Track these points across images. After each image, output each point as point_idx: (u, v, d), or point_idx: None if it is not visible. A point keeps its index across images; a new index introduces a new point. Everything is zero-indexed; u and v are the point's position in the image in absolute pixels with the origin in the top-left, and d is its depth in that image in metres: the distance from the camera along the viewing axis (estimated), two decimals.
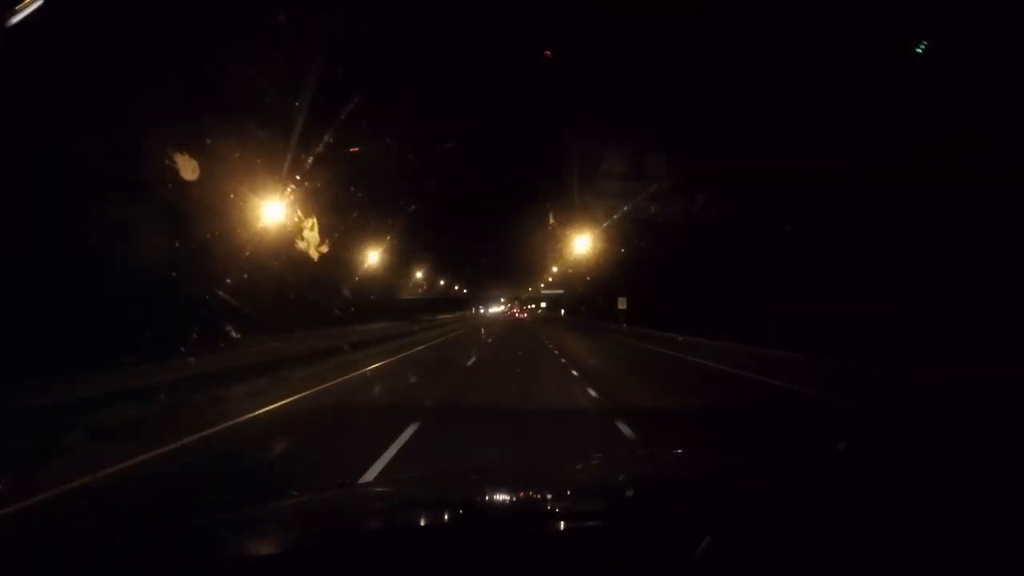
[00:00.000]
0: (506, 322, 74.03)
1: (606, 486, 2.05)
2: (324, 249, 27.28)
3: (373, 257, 36.69)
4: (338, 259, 27.16)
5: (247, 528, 1.59)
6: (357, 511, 1.70)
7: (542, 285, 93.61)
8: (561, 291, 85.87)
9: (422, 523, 1.51)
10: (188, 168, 12.11)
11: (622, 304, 35.10)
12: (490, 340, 31.39)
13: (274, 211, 16.55)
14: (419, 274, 61.49)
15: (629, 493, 1.91)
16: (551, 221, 40.67)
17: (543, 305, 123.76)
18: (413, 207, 36.99)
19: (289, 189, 16.80)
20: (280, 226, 17.57)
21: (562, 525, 1.39)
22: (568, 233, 36.69)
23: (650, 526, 1.34)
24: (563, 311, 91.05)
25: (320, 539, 1.41)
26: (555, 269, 74.99)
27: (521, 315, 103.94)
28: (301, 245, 25.42)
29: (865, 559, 1.24)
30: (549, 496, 1.94)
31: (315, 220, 25.11)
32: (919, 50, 11.70)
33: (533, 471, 2.58)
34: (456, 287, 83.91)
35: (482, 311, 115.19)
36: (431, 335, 36.00)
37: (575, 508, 1.68)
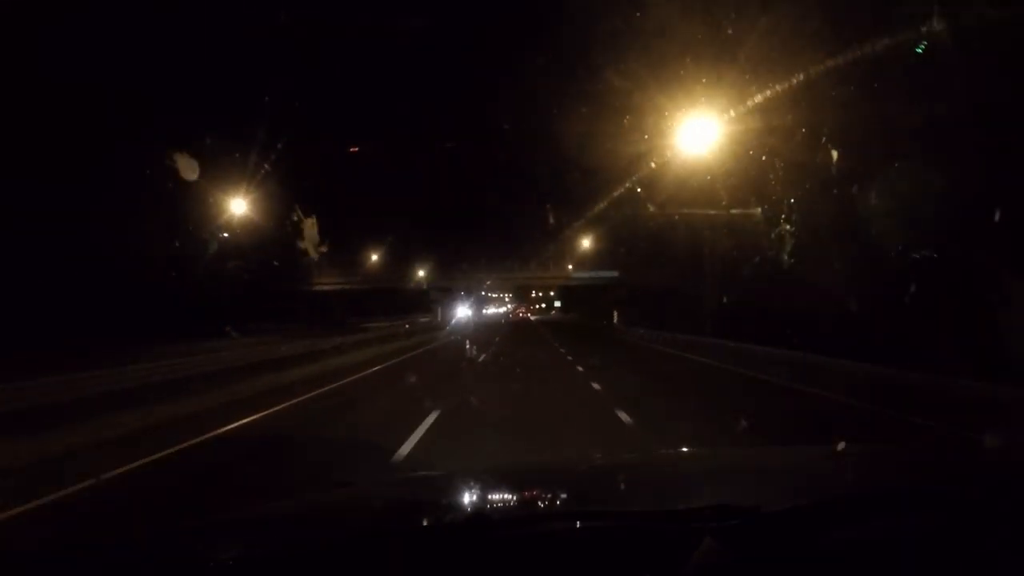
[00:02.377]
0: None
1: (608, 486, 2.04)
2: (324, 249, 26.28)
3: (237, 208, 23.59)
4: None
5: (245, 529, 1.58)
6: (356, 512, 1.69)
7: (547, 282, 61.14)
8: (615, 273, 47.63)
9: (424, 524, 1.50)
10: None
11: None
12: None
13: None
14: (374, 257, 51.71)
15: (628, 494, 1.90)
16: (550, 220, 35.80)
17: (557, 304, 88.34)
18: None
19: None
20: None
21: (564, 527, 1.38)
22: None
23: (648, 528, 1.33)
24: (616, 315, 46.49)
25: (320, 540, 1.41)
26: (586, 244, 49.64)
27: (525, 315, 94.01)
28: (301, 244, 24.66)
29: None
30: (555, 497, 1.92)
31: (315, 219, 24.31)
32: (919, 50, 11.65)
33: (537, 471, 2.57)
34: (450, 278, 56.05)
35: (458, 316, 61.21)
36: None
37: (578, 510, 1.68)
